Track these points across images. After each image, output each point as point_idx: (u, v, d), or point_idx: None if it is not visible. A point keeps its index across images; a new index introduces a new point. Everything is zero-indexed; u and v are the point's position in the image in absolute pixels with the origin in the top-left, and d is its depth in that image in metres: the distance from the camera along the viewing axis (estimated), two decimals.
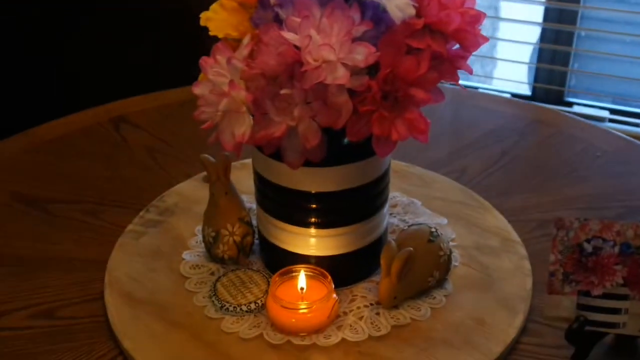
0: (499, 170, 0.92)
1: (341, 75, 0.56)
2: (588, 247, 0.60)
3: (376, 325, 0.66)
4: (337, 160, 0.64)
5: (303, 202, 0.67)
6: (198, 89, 0.59)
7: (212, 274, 0.72)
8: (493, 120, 1.05)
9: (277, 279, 0.66)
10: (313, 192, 0.66)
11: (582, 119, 1.05)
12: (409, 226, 0.71)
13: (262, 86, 0.57)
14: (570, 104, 1.61)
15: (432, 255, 0.68)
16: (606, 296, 0.61)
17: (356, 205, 0.68)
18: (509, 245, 0.76)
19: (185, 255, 0.75)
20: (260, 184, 0.69)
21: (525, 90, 1.78)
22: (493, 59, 1.98)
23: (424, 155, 0.95)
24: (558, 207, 0.84)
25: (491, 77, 1.92)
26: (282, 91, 0.57)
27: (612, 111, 1.57)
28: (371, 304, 0.68)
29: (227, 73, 0.57)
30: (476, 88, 1.77)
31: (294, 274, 0.67)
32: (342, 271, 0.70)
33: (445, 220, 0.80)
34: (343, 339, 0.64)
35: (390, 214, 0.81)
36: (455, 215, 0.81)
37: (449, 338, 0.64)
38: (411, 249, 0.66)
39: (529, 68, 1.78)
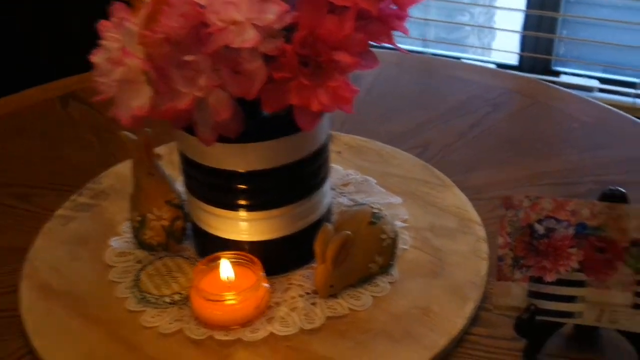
0: (466, 144, 0.85)
1: (250, 38, 0.49)
2: (540, 229, 0.54)
3: (310, 317, 0.59)
4: (267, 135, 0.58)
5: (231, 183, 0.60)
6: (96, 57, 0.53)
7: (139, 262, 0.66)
8: (465, 91, 0.98)
9: (201, 267, 0.60)
10: (242, 171, 0.59)
11: (561, 88, 0.98)
12: (350, 207, 0.64)
13: (166, 53, 0.51)
14: (558, 74, 1.52)
15: (374, 239, 0.62)
16: (560, 283, 0.54)
17: (290, 185, 0.61)
18: (466, 226, 0.69)
19: (113, 242, 0.69)
20: (185, 165, 0.63)
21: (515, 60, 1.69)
22: (474, 26, 1.90)
23: (385, 128, 0.89)
24: (525, 183, 0.77)
25: (481, 48, 1.83)
26: (186, 57, 0.50)
27: (603, 80, 1.48)
28: (307, 293, 0.62)
29: (122, 38, 0.50)
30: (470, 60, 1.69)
31: (219, 261, 0.61)
32: (278, 257, 0.64)
33: (399, 200, 0.73)
34: (271, 333, 0.58)
35: (341, 193, 0.75)
36: (412, 193, 0.75)
37: (390, 329, 0.58)
38: (348, 232, 0.59)
39: (520, 37, 1.70)
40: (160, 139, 0.68)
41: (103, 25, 0.52)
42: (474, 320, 0.60)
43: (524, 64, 1.56)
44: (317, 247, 0.60)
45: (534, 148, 0.84)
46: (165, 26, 0.51)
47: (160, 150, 0.72)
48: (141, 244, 0.67)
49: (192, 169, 0.62)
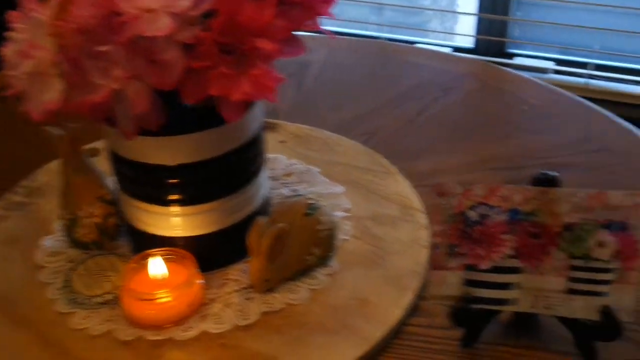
0: (414, 130, 0.84)
1: (164, 26, 0.47)
2: (473, 216, 0.52)
3: (245, 313, 0.58)
4: (194, 127, 0.56)
5: (161, 178, 0.58)
6: (6, 49, 0.50)
7: (71, 261, 0.64)
8: (417, 76, 0.97)
9: (132, 265, 0.59)
10: (171, 165, 0.57)
11: (511, 71, 0.97)
12: (286, 199, 0.63)
13: (79, 44, 0.49)
14: (513, 56, 1.51)
15: (310, 231, 0.60)
16: (496, 270, 0.53)
17: (222, 177, 0.60)
18: (408, 214, 0.68)
19: (46, 241, 0.67)
20: (113, 160, 0.61)
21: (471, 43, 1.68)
22: (432, 10, 1.88)
23: (333, 116, 0.87)
24: (471, 168, 0.76)
25: (436, 32, 1.81)
26: (99, 48, 0.48)
27: (558, 62, 1.48)
28: (243, 288, 0.60)
29: (31, 29, 0.48)
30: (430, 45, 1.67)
31: (150, 258, 0.59)
32: (214, 252, 0.62)
33: (341, 189, 0.72)
34: (204, 331, 0.56)
35: (284, 183, 0.73)
36: (356, 182, 0.73)
37: (326, 322, 0.57)
38: (282, 225, 0.58)
39: (476, 20, 1.68)
40: (97, 133, 0.66)
41: (12, 17, 0.50)
42: (414, 310, 0.59)
43: (480, 47, 1.55)
44: (251, 241, 0.58)
45: (483, 132, 0.83)
46: (77, 16, 0.49)
47: (98, 144, 0.70)
48: (74, 243, 0.65)
49: (120, 164, 0.60)
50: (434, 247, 0.53)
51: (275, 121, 0.84)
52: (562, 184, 0.51)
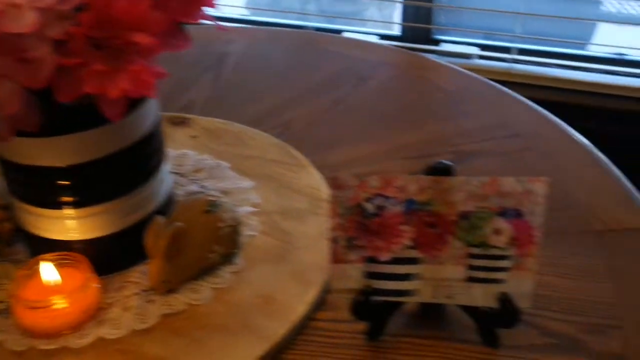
0: (330, 121, 0.83)
1: (30, 22, 0.44)
2: (370, 207, 0.51)
3: (144, 316, 0.56)
4: (80, 126, 0.54)
5: (52, 180, 0.56)
6: None
7: None
8: (336, 65, 0.95)
9: (24, 272, 0.56)
10: (61, 166, 0.55)
11: (430, 57, 0.97)
12: (186, 197, 0.61)
13: None
14: (438, 42, 1.51)
15: (211, 228, 0.58)
16: (396, 261, 0.52)
17: (116, 177, 0.57)
18: (318, 207, 0.67)
19: None
20: (2, 164, 0.58)
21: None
22: None
23: (247, 110, 0.85)
24: (384, 157, 0.75)
25: (359, 19, 1.79)
26: None
27: (483, 47, 1.48)
28: (144, 291, 0.58)
29: None
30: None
31: (41, 264, 0.56)
32: (113, 255, 0.60)
33: (250, 184, 0.70)
34: (100, 337, 0.54)
35: (193, 180, 0.71)
36: (267, 176, 0.72)
37: (228, 323, 0.55)
38: (179, 224, 0.56)
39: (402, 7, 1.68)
40: None
41: None
42: (320, 304, 0.58)
43: (407, 35, 1.55)
44: (148, 241, 0.56)
45: (398, 121, 0.82)
46: None
47: None
48: None
49: (8, 167, 0.57)
50: (331, 241, 0.52)
51: (186, 116, 0.82)
52: (456, 173, 0.50)
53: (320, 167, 0.73)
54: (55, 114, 0.50)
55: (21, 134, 0.50)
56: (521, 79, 1.35)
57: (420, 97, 0.87)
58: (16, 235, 0.63)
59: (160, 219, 0.57)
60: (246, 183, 0.70)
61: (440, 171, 0.50)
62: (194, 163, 0.74)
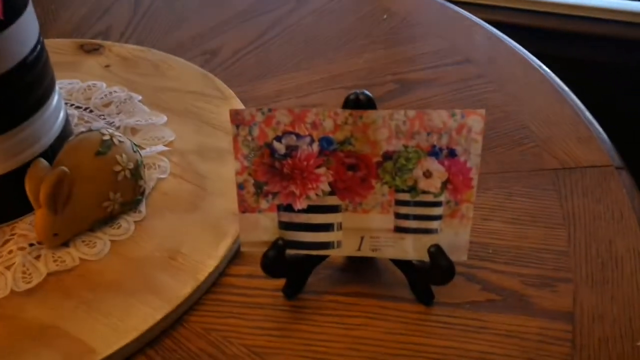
0: (260, 48, 0.74)
1: None
2: (280, 148, 0.44)
3: (28, 275, 0.49)
4: None
5: None
6: None
7: None
8: None
9: None
10: None
11: None
12: (77, 135, 0.52)
13: None
14: None
15: (105, 173, 0.50)
16: (313, 209, 0.45)
17: None
18: None
19: None
20: None
21: None
22: None
23: (171, 36, 0.76)
24: (318, 88, 0.67)
25: None
26: None
27: None
28: (31, 245, 0.51)
29: None
30: None
31: None
32: None
33: (164, 119, 0.62)
34: None
35: (100, 115, 0.63)
36: (186, 110, 0.63)
37: (125, 281, 0.48)
38: (61, 168, 0.48)
39: None
40: None
41: None
42: (234, 257, 0.51)
43: None
44: (28, 189, 0.48)
45: (335, 47, 0.73)
46: None
47: None
48: None
49: None
50: (238, 186, 0.44)
51: (100, 42, 0.73)
52: (376, 105, 0.42)
53: (247, 101, 0.65)
54: None
55: None
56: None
57: (361, 20, 0.77)
58: None
59: (41, 163, 0.49)
60: (159, 118, 0.62)
61: (360, 103, 0.43)
62: (103, 96, 0.65)
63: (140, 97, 0.64)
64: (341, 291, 0.48)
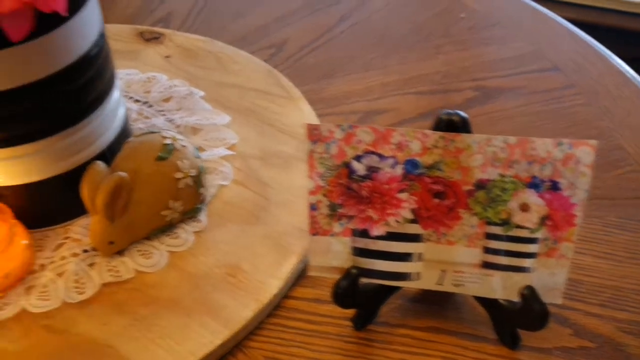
0: (329, 43, 0.69)
1: None
2: (360, 168, 0.39)
3: (81, 284, 0.46)
4: None
5: None
6: None
7: None
8: None
9: None
10: None
11: None
12: (138, 136, 0.49)
13: None
14: None
15: (165, 180, 0.47)
16: (392, 237, 0.41)
17: (47, 110, 0.45)
18: None
19: None
20: None
21: None
22: None
23: (235, 25, 0.72)
24: (390, 92, 0.62)
25: None
26: None
27: None
28: (85, 251, 0.48)
29: None
30: None
31: None
32: (49, 204, 0.49)
33: (227, 119, 0.58)
34: (24, 310, 0.44)
35: (160, 111, 0.60)
36: (248, 109, 0.59)
37: (181, 299, 0.45)
38: (119, 174, 0.44)
39: None
40: None
41: None
42: (299, 277, 0.47)
43: None
44: (84, 193, 0.45)
45: (408, 45, 0.68)
46: None
47: None
48: None
49: None
50: (310, 207, 0.40)
51: (161, 30, 0.69)
52: (471, 128, 0.38)
53: (313, 102, 0.61)
54: None
55: None
56: None
57: (437, 17, 0.72)
58: None
59: (99, 166, 0.45)
60: (222, 118, 0.58)
61: (453, 125, 0.38)
62: (163, 90, 0.61)
63: (202, 94, 0.61)
64: (414, 324, 0.44)
